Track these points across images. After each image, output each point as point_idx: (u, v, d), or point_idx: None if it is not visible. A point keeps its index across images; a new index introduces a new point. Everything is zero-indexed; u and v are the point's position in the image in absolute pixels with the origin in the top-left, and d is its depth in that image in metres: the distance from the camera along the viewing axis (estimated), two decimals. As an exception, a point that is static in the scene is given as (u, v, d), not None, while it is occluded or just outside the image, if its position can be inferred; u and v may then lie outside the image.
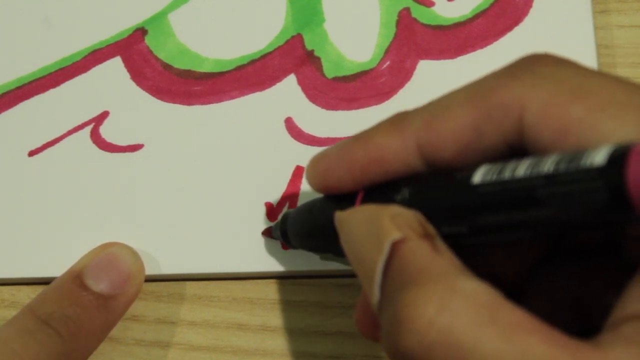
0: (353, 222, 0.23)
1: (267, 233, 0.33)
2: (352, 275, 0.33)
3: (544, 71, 0.22)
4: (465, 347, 0.18)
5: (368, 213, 0.22)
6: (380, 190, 0.24)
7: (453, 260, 0.20)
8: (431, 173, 0.23)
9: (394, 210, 0.22)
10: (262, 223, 0.33)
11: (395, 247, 0.21)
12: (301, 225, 0.29)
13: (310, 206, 0.29)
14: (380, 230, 0.21)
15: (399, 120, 0.24)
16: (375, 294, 0.21)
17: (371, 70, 0.35)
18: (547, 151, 0.20)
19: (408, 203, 0.23)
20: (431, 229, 0.21)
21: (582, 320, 0.23)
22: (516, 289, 0.24)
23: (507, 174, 0.20)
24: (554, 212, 0.19)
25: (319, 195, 0.28)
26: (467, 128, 0.22)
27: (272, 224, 0.33)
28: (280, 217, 0.32)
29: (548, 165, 0.19)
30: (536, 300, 0.23)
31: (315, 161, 0.26)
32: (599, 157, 0.18)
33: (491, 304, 0.19)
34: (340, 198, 0.26)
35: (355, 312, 0.25)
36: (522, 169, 0.20)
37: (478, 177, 0.21)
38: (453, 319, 0.19)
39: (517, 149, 0.22)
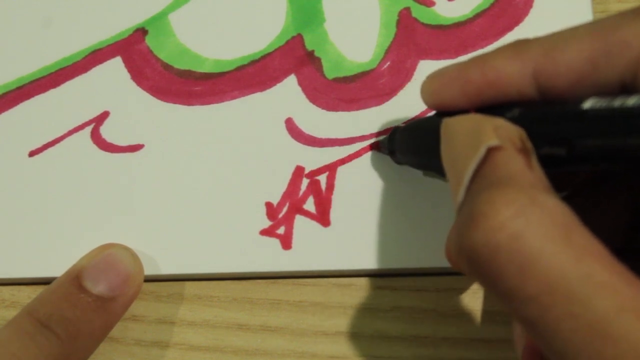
0: (457, 127, 0.23)
1: (375, 146, 0.33)
2: (352, 275, 0.33)
3: None
4: (531, 256, 0.18)
5: (473, 120, 0.23)
6: (492, 109, 0.24)
7: (542, 178, 0.21)
8: (543, 101, 0.24)
9: (499, 123, 0.22)
10: (262, 223, 0.33)
11: (490, 153, 0.21)
12: (409, 141, 0.30)
13: (420, 122, 0.29)
14: (480, 136, 0.21)
15: (520, 45, 0.24)
16: (460, 194, 0.21)
17: (371, 70, 0.35)
18: None
19: (516, 121, 0.23)
20: (530, 145, 0.22)
21: None
22: None
23: (616, 104, 0.21)
24: None
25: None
26: (584, 60, 0.23)
27: (271, 222, 0.33)
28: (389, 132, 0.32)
29: None
30: None
31: (432, 78, 0.26)
32: None
33: (567, 223, 0.19)
34: (451, 115, 0.26)
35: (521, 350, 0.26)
36: (632, 100, 0.20)
37: (588, 104, 0.21)
38: (526, 226, 0.19)
39: (629, 89, 0.22)
